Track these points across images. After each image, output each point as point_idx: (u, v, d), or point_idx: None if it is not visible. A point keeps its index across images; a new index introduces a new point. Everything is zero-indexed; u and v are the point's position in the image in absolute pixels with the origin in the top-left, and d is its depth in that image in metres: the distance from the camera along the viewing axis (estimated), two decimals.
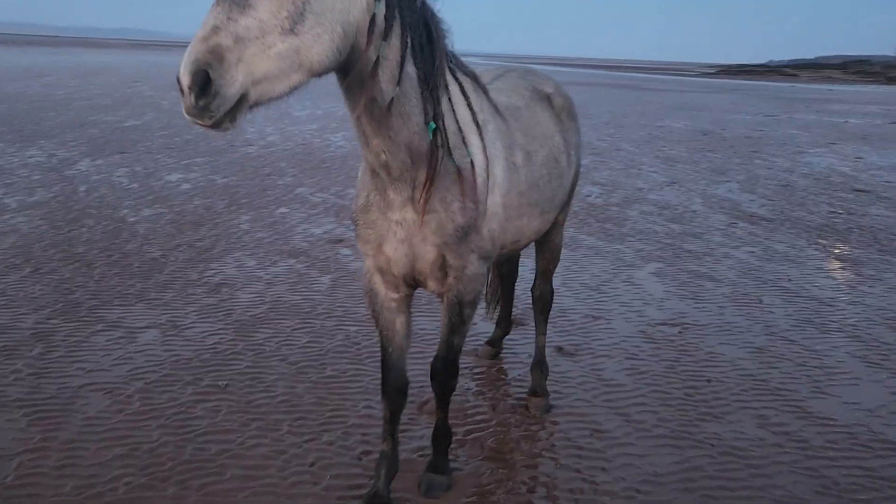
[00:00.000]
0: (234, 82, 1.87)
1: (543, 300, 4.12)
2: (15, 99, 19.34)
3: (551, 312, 4.23)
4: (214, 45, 1.84)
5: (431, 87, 2.49)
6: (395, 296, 2.93)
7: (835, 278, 6.59)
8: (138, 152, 11.96)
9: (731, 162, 13.75)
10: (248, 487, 3.13)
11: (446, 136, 2.58)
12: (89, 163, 10.80)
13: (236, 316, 5.09)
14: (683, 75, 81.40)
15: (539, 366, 4.04)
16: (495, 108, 2.96)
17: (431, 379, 3.06)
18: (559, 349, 4.70)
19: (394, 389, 3.03)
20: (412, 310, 3.09)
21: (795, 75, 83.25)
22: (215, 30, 1.86)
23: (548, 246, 3.98)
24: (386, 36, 2.32)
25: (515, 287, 4.63)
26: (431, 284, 2.85)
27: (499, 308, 4.58)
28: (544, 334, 4.14)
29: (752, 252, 7.36)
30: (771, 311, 5.63)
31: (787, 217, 9.10)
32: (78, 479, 3.14)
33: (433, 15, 2.52)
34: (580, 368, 4.48)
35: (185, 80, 1.82)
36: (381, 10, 2.26)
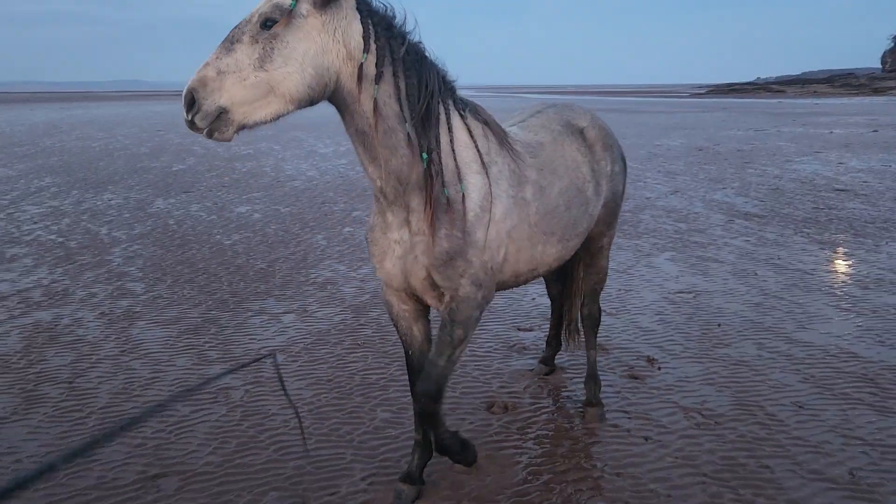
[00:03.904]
0: (212, 102, 2.51)
1: (592, 318, 4.38)
2: (60, 152, 20.99)
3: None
4: (202, 76, 2.52)
5: (423, 125, 2.90)
6: (406, 307, 3.31)
7: (816, 256, 8.05)
8: (200, 191, 13.50)
9: (726, 172, 15.29)
10: (406, 396, 4.55)
11: (441, 168, 2.94)
12: (163, 201, 12.34)
13: (349, 302, 6.54)
14: (674, 97, 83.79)
15: (592, 379, 4.34)
16: (508, 150, 3.25)
17: (413, 399, 3.36)
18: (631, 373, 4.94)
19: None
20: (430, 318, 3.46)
21: (783, 91, 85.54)
22: (206, 65, 2.54)
23: (594, 269, 4.25)
24: (378, 80, 2.80)
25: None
26: (430, 301, 3.19)
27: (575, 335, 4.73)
28: (594, 349, 4.41)
29: (748, 240, 8.84)
30: (764, 280, 7.08)
31: (776, 213, 10.59)
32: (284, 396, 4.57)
33: (424, 61, 2.95)
34: (622, 323, 5.92)
35: (182, 101, 2.54)
36: (368, 60, 2.76)
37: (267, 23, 2.60)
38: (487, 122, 3.22)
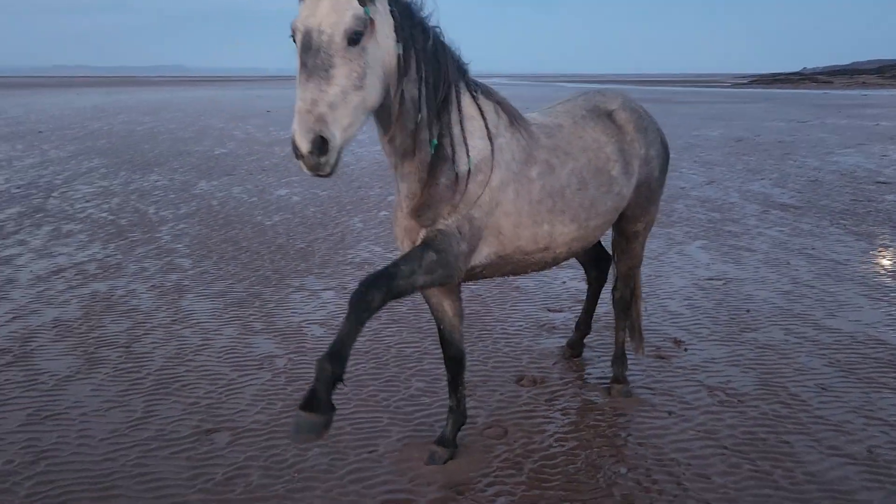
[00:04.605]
0: (336, 138, 2.47)
1: (623, 301, 4.43)
2: (108, 135, 21.70)
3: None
4: (318, 115, 2.43)
5: (437, 110, 3.02)
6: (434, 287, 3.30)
7: (851, 247, 8.03)
8: (241, 174, 13.90)
9: (765, 163, 15.13)
10: (440, 368, 4.77)
11: (452, 152, 3.09)
12: (206, 183, 12.76)
13: None
14: (716, 87, 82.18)
15: (620, 359, 4.48)
16: (518, 128, 3.36)
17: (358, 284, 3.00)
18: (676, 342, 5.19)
19: (450, 358, 3.63)
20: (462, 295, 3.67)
21: (829, 82, 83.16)
22: (314, 102, 2.45)
23: (627, 254, 4.27)
24: (406, 72, 2.88)
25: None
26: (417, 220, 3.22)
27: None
28: (624, 330, 4.49)
29: (782, 231, 8.83)
30: (796, 269, 7.12)
31: (813, 205, 10.51)
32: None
33: (443, 47, 3.04)
34: (651, 307, 6.04)
35: (305, 147, 2.40)
36: (400, 50, 2.82)
37: (354, 37, 2.56)
38: (500, 103, 3.35)
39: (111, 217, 9.72)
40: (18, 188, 11.99)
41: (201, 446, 3.78)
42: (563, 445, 3.81)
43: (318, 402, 2.80)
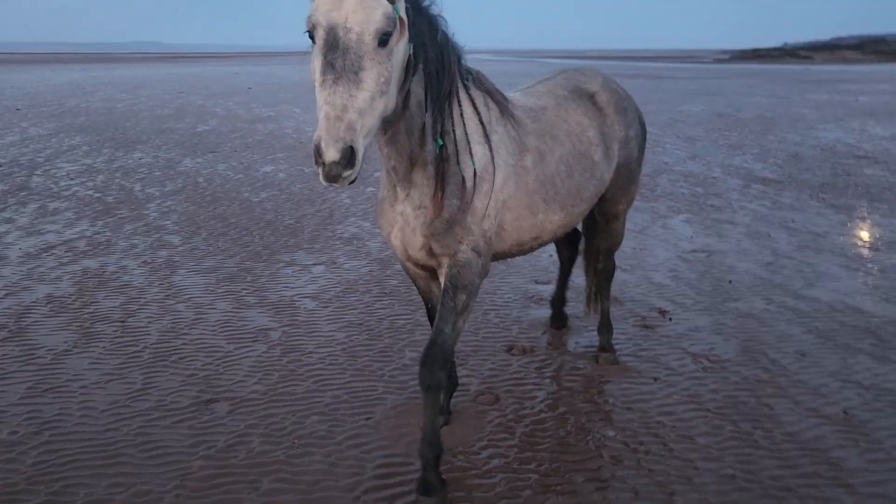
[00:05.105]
0: (362, 147, 2.32)
1: (607, 272, 4.55)
2: (87, 113, 21.36)
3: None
4: (349, 122, 2.26)
5: (440, 109, 2.87)
6: (421, 271, 3.36)
7: (830, 219, 8.23)
8: (225, 151, 13.81)
9: (746, 139, 15.31)
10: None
11: (456, 150, 2.96)
12: (191, 161, 12.68)
13: (374, 255, 6.87)
14: (698, 62, 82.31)
15: (605, 327, 4.60)
16: (506, 116, 3.24)
17: (420, 367, 3.10)
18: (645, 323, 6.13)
19: None
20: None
21: (810, 57, 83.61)
22: (345, 108, 2.26)
23: (609, 233, 4.33)
24: (415, 70, 2.70)
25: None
26: (434, 266, 3.19)
27: (595, 304, 4.73)
28: (608, 300, 4.63)
29: (764, 204, 9.01)
30: (777, 242, 7.29)
31: (794, 179, 10.71)
32: (319, 337, 4.93)
33: (447, 42, 2.85)
34: (636, 279, 6.19)
35: (334, 156, 2.21)
36: (411, 50, 2.64)
37: (384, 38, 2.39)
38: (489, 91, 3.23)
39: (97, 194, 9.66)
40: (0, 166, 11.85)
41: (201, 416, 3.87)
42: (553, 411, 3.95)
43: (431, 486, 3.09)
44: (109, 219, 8.30)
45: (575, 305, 5.33)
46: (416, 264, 3.26)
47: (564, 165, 3.47)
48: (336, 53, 2.33)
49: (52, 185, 10.24)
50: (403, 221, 3.08)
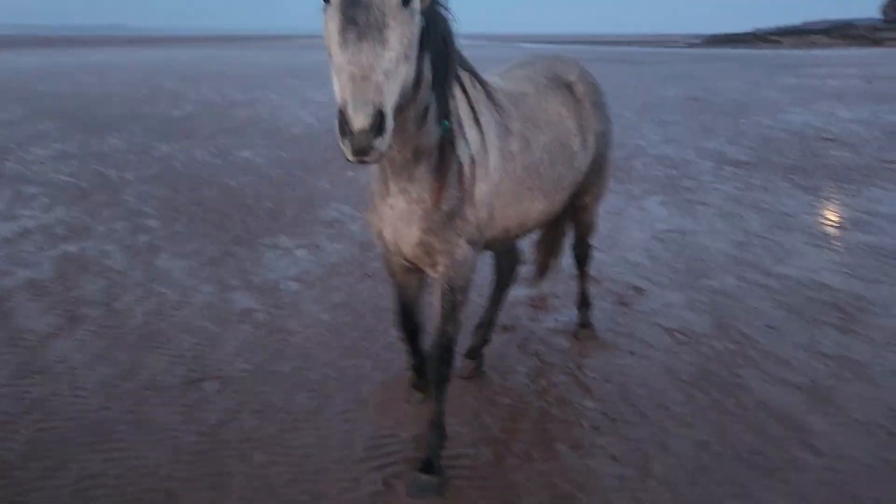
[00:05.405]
0: (391, 116, 2.09)
1: (584, 254, 4.56)
2: (56, 97, 20.92)
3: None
4: (378, 83, 2.03)
5: (445, 91, 2.70)
6: (406, 264, 3.17)
7: (799, 200, 8.48)
8: (201, 137, 13.69)
9: (719, 122, 15.57)
10: None
11: (454, 132, 2.81)
12: (167, 146, 12.55)
13: (356, 238, 6.94)
14: (671, 47, 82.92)
15: (583, 304, 4.70)
16: (492, 100, 3.07)
17: (428, 365, 3.21)
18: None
19: (410, 331, 3.45)
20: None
21: (780, 42, 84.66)
22: (371, 68, 2.04)
23: (580, 224, 4.35)
24: (423, 48, 2.50)
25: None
26: (423, 266, 3.05)
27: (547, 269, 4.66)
28: (586, 279, 4.69)
29: (736, 186, 9.24)
30: (748, 222, 7.51)
31: (765, 161, 10.97)
32: (304, 318, 5.01)
33: (448, 23, 2.67)
34: (613, 259, 6.35)
35: (363, 122, 1.98)
36: (423, 22, 2.45)
37: None
38: (473, 73, 3.04)
39: (72, 180, 9.55)
40: None
41: (192, 394, 3.94)
42: (534, 384, 4.09)
43: (433, 466, 3.19)
44: (86, 204, 8.24)
45: (552, 283, 5.46)
46: (405, 261, 3.10)
47: (547, 154, 3.42)
48: (358, 8, 2.12)
49: (25, 171, 10.09)
50: (396, 216, 2.89)
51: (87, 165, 10.61)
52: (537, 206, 3.42)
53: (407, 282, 3.31)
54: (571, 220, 4.33)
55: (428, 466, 3.18)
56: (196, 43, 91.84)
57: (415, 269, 3.19)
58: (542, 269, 4.66)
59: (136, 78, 29.05)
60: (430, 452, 3.21)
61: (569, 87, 3.80)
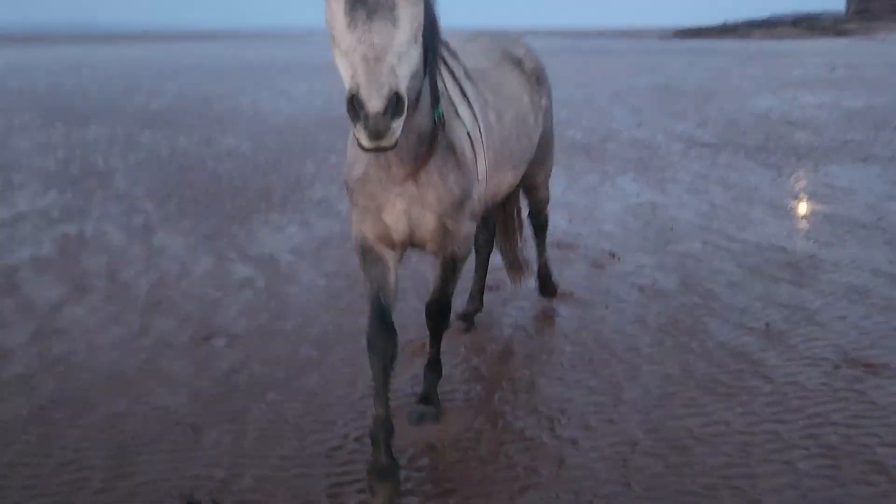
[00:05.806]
0: (405, 98, 2.00)
1: (540, 226, 4.77)
2: (32, 92, 20.87)
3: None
4: (391, 65, 1.94)
5: (435, 73, 2.65)
6: (389, 256, 3.03)
7: (762, 176, 8.98)
8: (183, 126, 13.86)
9: (688, 108, 16.11)
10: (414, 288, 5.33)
11: (447, 115, 2.76)
12: (150, 134, 12.73)
13: (344, 216, 7.26)
14: (642, 39, 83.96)
15: (545, 269, 4.92)
16: (466, 73, 3.05)
17: (427, 318, 3.32)
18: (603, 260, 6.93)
19: (383, 351, 3.05)
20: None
21: (748, 34, 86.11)
22: (384, 48, 1.95)
23: (534, 202, 4.58)
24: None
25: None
26: (430, 247, 2.99)
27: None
28: (545, 251, 4.90)
29: (703, 164, 9.72)
30: (714, 195, 7.98)
31: (731, 142, 11.49)
32: (302, 284, 5.34)
33: (432, 6, 2.58)
34: (589, 229, 6.76)
35: (379, 104, 1.88)
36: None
37: None
38: (448, 47, 3.01)
39: (61, 168, 9.73)
40: None
41: (202, 349, 4.26)
42: (519, 334, 4.48)
43: (431, 398, 3.51)
44: (78, 189, 8.45)
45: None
46: (402, 247, 3.00)
47: (514, 127, 3.50)
48: None
49: (12, 160, 10.24)
50: (408, 202, 2.78)
51: (74, 154, 10.78)
52: (508, 179, 3.55)
53: (384, 278, 3.04)
54: (527, 200, 4.56)
55: (426, 398, 3.51)
56: (170, 40, 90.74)
57: (392, 268, 3.05)
58: (514, 263, 4.74)
59: (110, 74, 28.89)
60: (428, 387, 3.53)
61: (518, 64, 3.84)
